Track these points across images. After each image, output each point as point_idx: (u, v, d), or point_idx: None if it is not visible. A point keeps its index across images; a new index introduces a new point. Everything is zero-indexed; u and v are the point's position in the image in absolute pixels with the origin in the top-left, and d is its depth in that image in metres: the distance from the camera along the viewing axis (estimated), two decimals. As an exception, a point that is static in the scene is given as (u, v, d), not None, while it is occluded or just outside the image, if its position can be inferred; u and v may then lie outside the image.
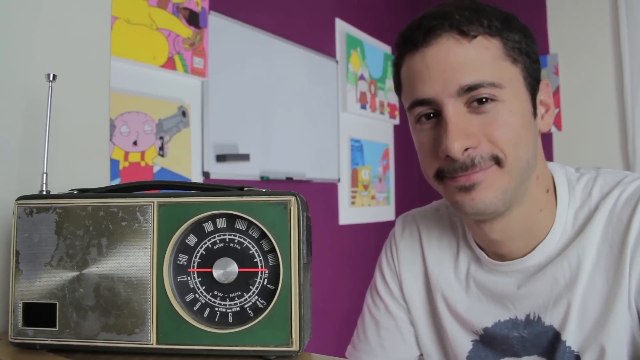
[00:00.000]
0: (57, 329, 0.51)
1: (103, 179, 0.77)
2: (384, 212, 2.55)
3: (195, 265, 0.51)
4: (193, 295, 0.50)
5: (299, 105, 2.00)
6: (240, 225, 0.50)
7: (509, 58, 0.61)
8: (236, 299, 0.50)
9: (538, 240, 0.67)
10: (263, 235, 0.49)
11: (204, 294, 0.50)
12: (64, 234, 0.51)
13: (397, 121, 2.66)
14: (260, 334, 0.48)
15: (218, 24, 1.62)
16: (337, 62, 2.23)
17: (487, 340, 0.72)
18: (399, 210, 2.65)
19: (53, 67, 0.65)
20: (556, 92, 2.35)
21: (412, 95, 0.63)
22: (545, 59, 2.35)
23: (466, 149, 0.59)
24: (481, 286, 0.72)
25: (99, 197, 0.52)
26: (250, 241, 0.50)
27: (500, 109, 0.60)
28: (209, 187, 0.53)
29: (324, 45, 2.17)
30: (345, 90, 2.25)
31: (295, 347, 0.48)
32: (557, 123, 2.34)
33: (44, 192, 0.57)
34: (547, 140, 2.34)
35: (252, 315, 0.49)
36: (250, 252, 0.50)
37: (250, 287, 0.50)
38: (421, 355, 0.81)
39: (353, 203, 2.30)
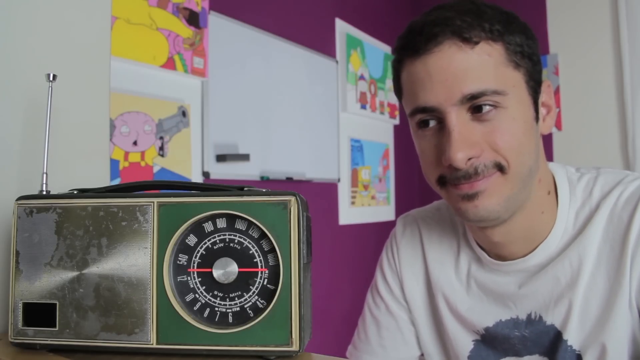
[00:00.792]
0: (57, 329, 0.51)
1: (103, 179, 0.77)
2: (384, 212, 2.55)
3: (195, 265, 0.50)
4: (193, 295, 0.50)
5: (299, 105, 2.00)
6: (240, 225, 0.50)
7: (512, 63, 0.60)
8: (236, 299, 0.50)
9: (539, 240, 0.67)
10: (263, 235, 0.49)
11: (204, 294, 0.50)
12: (64, 234, 0.51)
13: (397, 121, 2.66)
14: (260, 334, 0.48)
15: (218, 24, 1.62)
16: (337, 62, 2.23)
17: (489, 339, 0.72)
18: (399, 210, 2.65)
19: (53, 67, 0.65)
20: (556, 92, 2.35)
21: (414, 102, 0.63)
22: (545, 59, 2.35)
23: (469, 159, 0.59)
24: (482, 286, 0.72)
25: (99, 197, 0.52)
26: (250, 241, 0.50)
27: (503, 116, 0.59)
28: (209, 187, 0.53)
29: (324, 45, 2.17)
30: (345, 90, 2.25)
31: (295, 347, 0.48)
32: (557, 123, 2.34)
33: (44, 192, 0.56)
34: (547, 140, 2.34)
35: (252, 315, 0.49)
36: (250, 252, 0.50)
37: (250, 287, 0.49)
38: (422, 355, 0.81)
39: (353, 203, 2.30)
